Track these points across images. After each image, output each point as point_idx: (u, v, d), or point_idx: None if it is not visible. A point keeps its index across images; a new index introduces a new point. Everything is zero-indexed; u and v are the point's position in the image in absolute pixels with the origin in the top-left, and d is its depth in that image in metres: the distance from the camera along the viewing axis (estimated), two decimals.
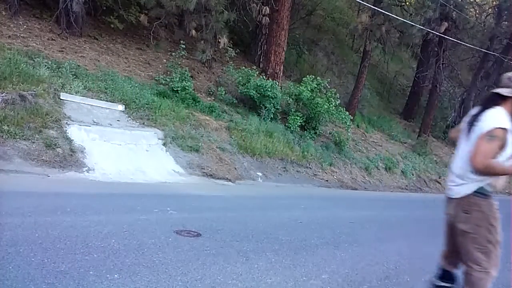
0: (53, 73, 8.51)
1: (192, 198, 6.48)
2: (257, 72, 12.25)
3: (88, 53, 10.37)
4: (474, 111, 3.11)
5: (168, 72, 11.19)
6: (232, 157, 9.39)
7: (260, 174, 9.49)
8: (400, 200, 11.53)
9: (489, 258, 3.02)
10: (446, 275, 3.38)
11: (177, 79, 10.66)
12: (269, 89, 11.22)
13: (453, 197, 3.08)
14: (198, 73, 12.39)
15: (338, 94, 12.55)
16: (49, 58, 9.07)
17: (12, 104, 6.94)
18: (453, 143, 16.69)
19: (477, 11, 20.94)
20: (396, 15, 14.42)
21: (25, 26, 10.05)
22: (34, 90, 7.53)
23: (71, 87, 8.41)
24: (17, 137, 6.45)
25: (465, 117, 3.21)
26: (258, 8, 12.20)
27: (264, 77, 12.10)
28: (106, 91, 8.99)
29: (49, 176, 6.01)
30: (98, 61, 10.27)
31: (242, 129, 10.38)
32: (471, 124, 2.98)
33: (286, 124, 11.95)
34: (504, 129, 2.77)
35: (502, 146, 2.79)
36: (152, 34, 11.58)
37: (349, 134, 12.88)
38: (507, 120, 2.84)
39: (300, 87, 12.09)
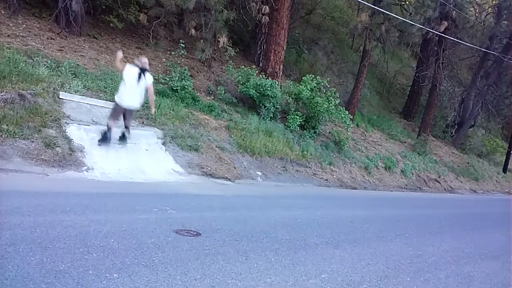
0: (52, 72, 8.50)
1: (191, 198, 6.48)
2: (257, 71, 12.24)
3: (87, 52, 10.36)
4: (136, 71, 7.09)
5: (168, 71, 11.18)
6: (232, 156, 9.39)
7: (259, 173, 9.48)
8: (399, 200, 11.53)
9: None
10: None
11: (177, 78, 10.65)
12: (268, 88, 11.22)
13: (134, 108, 7.40)
14: (197, 72, 12.38)
15: (337, 94, 12.54)
16: (49, 57, 9.06)
17: (12, 103, 6.93)
18: (453, 143, 16.60)
19: (477, 11, 20.96)
20: (396, 14, 14.41)
21: (24, 25, 10.04)
22: (34, 89, 7.52)
23: (70, 86, 8.40)
24: (17, 136, 6.44)
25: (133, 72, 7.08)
26: (257, 7, 12.19)
27: (264, 76, 12.09)
28: (105, 90, 8.98)
29: (48, 176, 6.01)
30: (98, 60, 10.26)
31: (241, 128, 10.37)
32: (139, 77, 7.09)
33: (286, 124, 11.94)
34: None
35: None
36: (151, 33, 11.56)
37: (348, 133, 12.88)
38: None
39: (300, 86, 12.09)
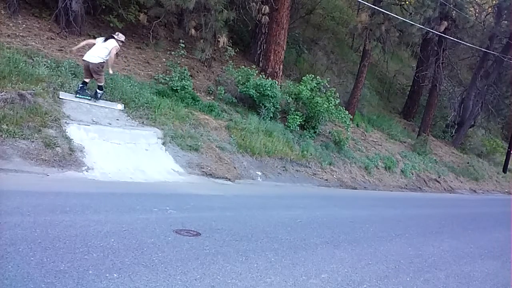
0: (52, 72, 8.50)
1: (191, 198, 6.48)
2: (257, 71, 12.24)
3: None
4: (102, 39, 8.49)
5: (168, 71, 11.18)
6: (232, 156, 9.38)
7: (259, 173, 9.48)
8: (399, 200, 11.53)
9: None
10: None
11: (177, 78, 10.65)
12: (268, 88, 11.22)
13: (91, 62, 8.15)
14: (197, 72, 12.38)
15: (337, 94, 12.54)
16: (48, 57, 9.06)
17: (11, 103, 6.93)
18: (453, 143, 16.59)
19: (477, 10, 20.96)
20: (396, 14, 14.40)
21: (24, 25, 10.03)
22: (33, 89, 7.52)
23: (70, 86, 8.40)
24: (17, 136, 6.44)
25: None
26: (257, 7, 12.19)
27: (264, 76, 12.09)
28: (105, 90, 8.97)
29: (48, 176, 6.00)
30: None
31: (241, 128, 10.37)
32: (106, 39, 8.41)
33: (286, 124, 11.94)
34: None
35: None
36: (151, 33, 11.56)
37: (348, 133, 12.88)
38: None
39: (300, 86, 12.09)
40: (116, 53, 8.58)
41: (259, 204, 7.18)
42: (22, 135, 6.52)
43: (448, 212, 10.61)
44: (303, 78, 12.44)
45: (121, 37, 8.59)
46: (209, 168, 8.39)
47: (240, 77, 11.64)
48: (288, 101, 12.31)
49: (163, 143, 8.36)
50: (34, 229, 3.86)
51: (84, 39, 10.74)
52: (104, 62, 8.27)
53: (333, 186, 10.85)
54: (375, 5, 14.00)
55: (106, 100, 8.75)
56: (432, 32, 15.37)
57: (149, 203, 5.55)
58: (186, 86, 10.54)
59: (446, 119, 20.82)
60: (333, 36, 20.65)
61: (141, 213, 5.03)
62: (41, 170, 6.07)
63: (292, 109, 12.19)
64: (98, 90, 8.54)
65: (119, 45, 8.49)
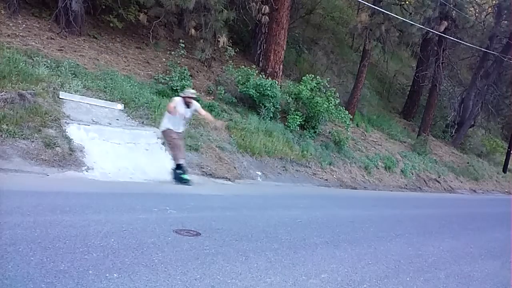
0: (52, 72, 8.50)
1: (191, 197, 6.48)
2: (257, 71, 12.24)
3: (87, 52, 10.36)
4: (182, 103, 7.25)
5: (168, 71, 11.18)
6: (232, 156, 9.38)
7: (259, 173, 9.48)
8: (399, 200, 11.53)
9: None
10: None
11: (177, 78, 10.65)
12: (268, 88, 11.22)
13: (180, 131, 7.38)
14: (197, 72, 12.38)
15: (337, 93, 12.55)
16: (48, 57, 9.06)
17: (11, 103, 6.93)
18: (453, 143, 16.61)
19: (477, 10, 20.95)
20: (396, 14, 14.40)
21: (24, 25, 10.03)
22: (33, 89, 7.52)
23: (70, 86, 8.40)
24: (16, 136, 6.44)
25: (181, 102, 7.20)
26: (257, 7, 12.20)
27: (264, 76, 12.09)
28: (105, 90, 8.98)
29: (48, 175, 6.00)
30: (97, 60, 10.26)
31: (241, 128, 10.37)
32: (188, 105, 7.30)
33: (286, 123, 11.95)
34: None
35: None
36: (151, 33, 11.56)
37: (348, 133, 12.88)
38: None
39: (300, 86, 12.09)
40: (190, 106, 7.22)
41: (259, 204, 7.17)
42: (22, 135, 6.52)
43: (448, 212, 10.61)
44: (303, 78, 12.43)
45: (187, 92, 7.31)
46: (209, 168, 8.40)
47: (240, 77, 11.64)
48: (288, 101, 12.31)
49: (163, 143, 8.36)
50: (34, 229, 3.85)
51: (84, 39, 10.80)
52: (163, 129, 7.29)
53: (333, 186, 10.84)
54: (375, 5, 14.00)
55: (107, 100, 8.75)
56: (432, 32, 15.38)
57: (149, 203, 5.54)
58: (186, 86, 10.53)
59: (446, 119, 20.83)
60: (333, 36, 20.65)
61: (141, 213, 5.02)
62: (41, 170, 6.07)
63: (292, 109, 12.19)
64: (172, 168, 7.35)
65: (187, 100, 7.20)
